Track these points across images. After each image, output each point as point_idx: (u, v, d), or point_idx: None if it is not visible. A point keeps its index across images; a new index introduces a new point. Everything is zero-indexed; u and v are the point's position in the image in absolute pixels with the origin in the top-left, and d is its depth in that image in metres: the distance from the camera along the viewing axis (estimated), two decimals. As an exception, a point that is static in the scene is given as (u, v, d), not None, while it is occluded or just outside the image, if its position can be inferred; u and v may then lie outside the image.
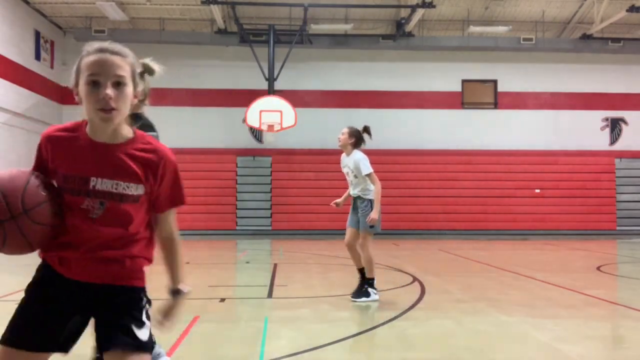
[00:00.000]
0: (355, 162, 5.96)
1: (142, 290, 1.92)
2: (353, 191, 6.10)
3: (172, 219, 1.99)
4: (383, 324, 4.92)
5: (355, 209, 6.09)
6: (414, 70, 19.30)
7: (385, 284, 7.01)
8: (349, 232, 6.11)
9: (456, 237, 17.53)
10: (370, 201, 5.93)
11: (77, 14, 17.52)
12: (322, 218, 17.24)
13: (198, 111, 18.82)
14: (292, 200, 18.13)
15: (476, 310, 5.63)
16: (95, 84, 1.76)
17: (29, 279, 1.90)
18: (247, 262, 10.71)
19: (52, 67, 17.74)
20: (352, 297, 6.01)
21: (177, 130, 18.17)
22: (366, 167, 5.92)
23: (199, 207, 16.64)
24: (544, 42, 18.76)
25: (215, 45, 18.46)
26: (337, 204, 6.31)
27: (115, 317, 1.83)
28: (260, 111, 15.98)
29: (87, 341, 1.95)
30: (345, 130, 6.13)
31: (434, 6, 16.19)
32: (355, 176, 6.01)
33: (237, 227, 18.15)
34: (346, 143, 6.08)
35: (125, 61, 1.81)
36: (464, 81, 19.59)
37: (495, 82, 19.69)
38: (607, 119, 19.72)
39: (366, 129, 6.12)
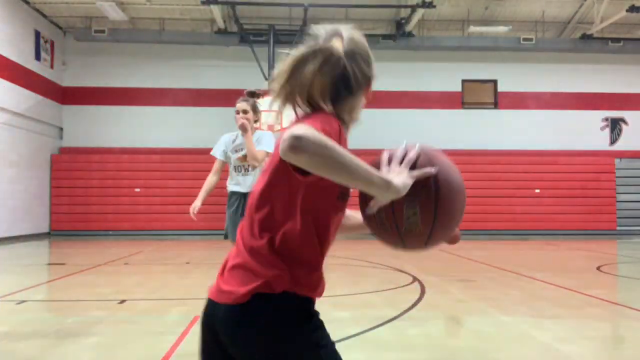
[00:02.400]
0: None
1: None
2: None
3: None
4: (383, 324, 4.92)
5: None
6: (414, 70, 19.27)
7: (385, 284, 7.01)
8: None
9: (456, 237, 17.51)
10: None
11: (77, 14, 17.49)
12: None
13: (198, 111, 18.77)
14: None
15: (476, 310, 5.63)
16: None
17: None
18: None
19: (52, 67, 17.70)
20: None
21: (177, 130, 18.18)
22: None
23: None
24: (544, 42, 18.75)
25: (215, 45, 18.44)
26: None
27: None
28: (260, 111, 15.93)
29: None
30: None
31: (434, 6, 16.18)
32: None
33: (237, 227, 18.11)
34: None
35: None
36: (464, 81, 19.58)
37: (495, 82, 19.68)
38: (607, 119, 19.71)
39: None
